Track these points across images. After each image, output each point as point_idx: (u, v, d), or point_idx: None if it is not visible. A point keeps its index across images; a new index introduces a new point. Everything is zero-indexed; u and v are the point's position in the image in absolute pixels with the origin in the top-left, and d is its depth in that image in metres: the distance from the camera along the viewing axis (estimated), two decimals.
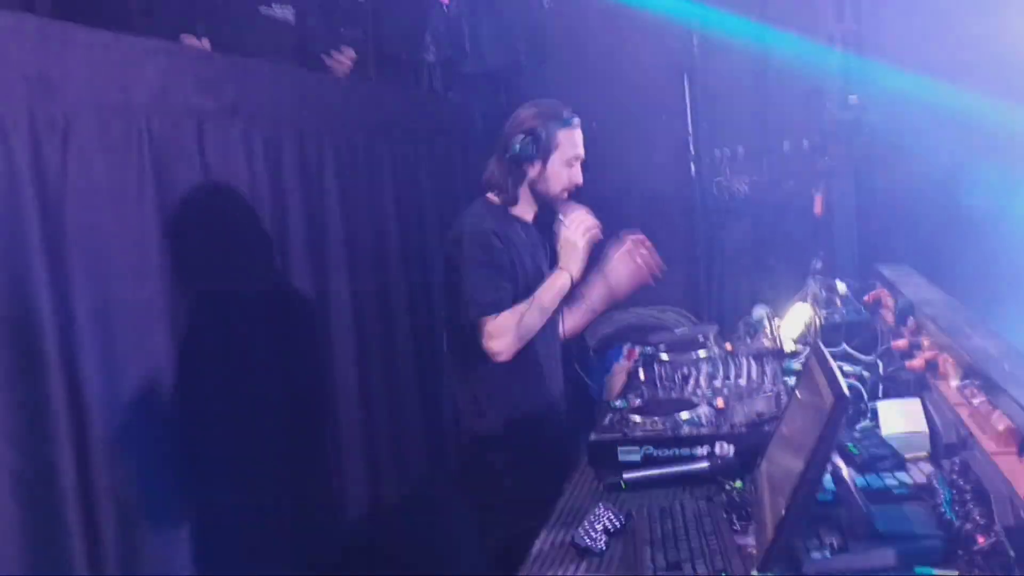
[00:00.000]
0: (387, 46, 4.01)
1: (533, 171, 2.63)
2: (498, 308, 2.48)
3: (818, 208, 4.09)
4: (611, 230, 4.50)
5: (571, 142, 2.64)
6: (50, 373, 1.89)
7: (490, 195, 2.70)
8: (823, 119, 4.07)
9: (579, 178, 2.67)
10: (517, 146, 2.60)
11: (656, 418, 2.33)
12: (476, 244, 2.53)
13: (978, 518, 1.63)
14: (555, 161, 2.62)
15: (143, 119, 2.19)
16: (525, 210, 2.70)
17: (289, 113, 2.82)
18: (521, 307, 2.52)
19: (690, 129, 4.45)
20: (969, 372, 2.06)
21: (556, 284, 2.60)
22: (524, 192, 2.67)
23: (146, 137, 2.20)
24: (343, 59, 3.29)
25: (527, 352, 2.59)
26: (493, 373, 2.55)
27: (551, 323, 2.73)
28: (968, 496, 1.73)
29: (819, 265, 3.83)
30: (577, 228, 2.63)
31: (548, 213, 2.71)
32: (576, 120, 2.66)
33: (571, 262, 2.62)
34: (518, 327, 2.49)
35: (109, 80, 2.11)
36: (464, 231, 2.57)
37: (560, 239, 2.65)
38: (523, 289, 2.58)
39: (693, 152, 4.44)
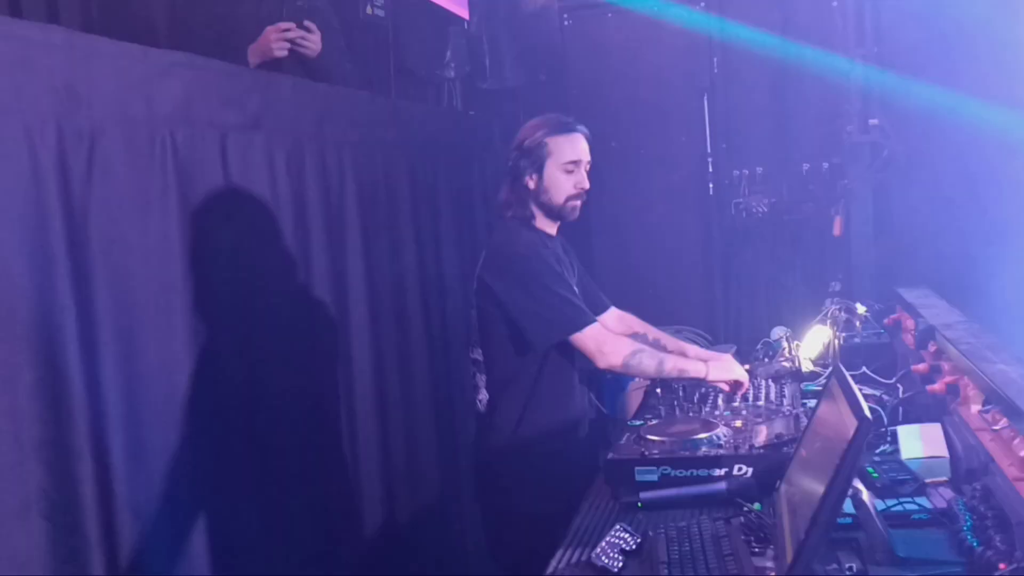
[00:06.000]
0: (408, 62, 4.04)
1: (532, 183, 2.63)
2: (586, 318, 2.52)
3: (837, 230, 4.08)
4: (628, 252, 4.55)
5: (565, 148, 2.62)
6: (72, 384, 1.89)
7: (510, 215, 2.70)
8: (843, 141, 4.06)
9: (585, 183, 2.65)
10: (510, 162, 2.65)
11: (674, 438, 2.32)
12: (534, 265, 2.54)
13: (999, 544, 1.61)
14: (550, 169, 2.62)
15: (167, 131, 2.21)
16: (546, 225, 2.70)
17: (311, 127, 2.84)
18: (649, 349, 2.57)
19: (709, 149, 4.44)
20: (991, 397, 2.04)
21: (693, 367, 2.61)
22: (535, 208, 2.67)
23: (170, 149, 2.21)
24: (312, 38, 3.02)
25: (567, 372, 2.62)
26: (531, 391, 2.58)
27: None
28: (989, 522, 1.71)
29: (837, 287, 3.82)
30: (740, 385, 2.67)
31: (568, 227, 2.72)
32: (570, 125, 2.66)
33: (721, 372, 2.63)
34: (632, 354, 2.52)
35: (134, 92, 2.13)
36: (515, 253, 2.58)
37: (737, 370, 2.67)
38: None
39: (712, 172, 4.44)
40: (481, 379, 2.65)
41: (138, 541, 2.03)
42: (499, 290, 2.56)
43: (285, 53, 2.91)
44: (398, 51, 3.95)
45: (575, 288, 2.66)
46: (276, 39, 2.87)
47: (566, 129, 2.64)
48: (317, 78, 3.03)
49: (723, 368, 2.64)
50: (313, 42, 2.97)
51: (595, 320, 2.54)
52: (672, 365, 2.57)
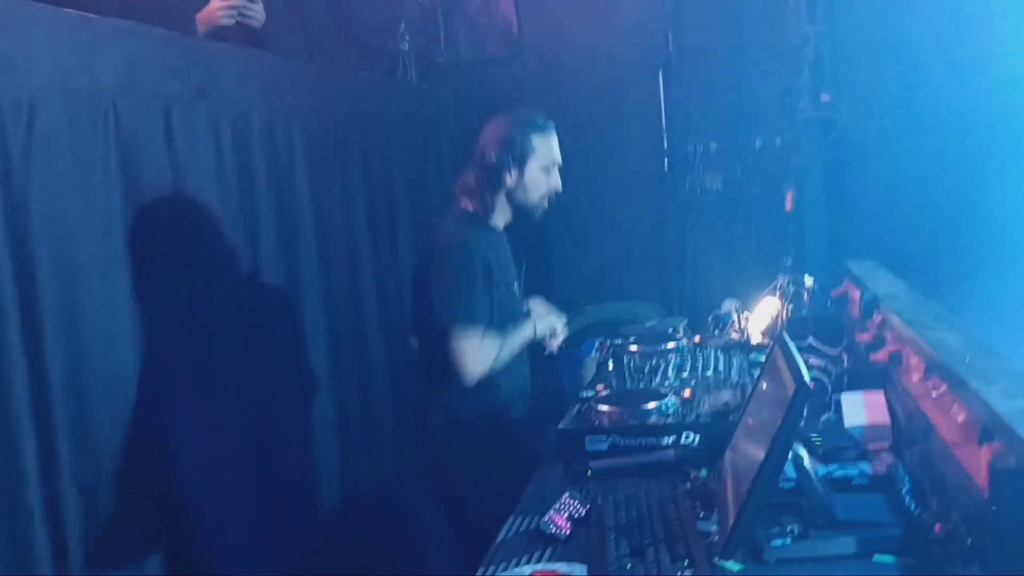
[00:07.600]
0: (362, 34, 4.00)
1: (511, 179, 2.62)
2: (473, 324, 2.48)
3: (789, 205, 4.13)
4: (584, 227, 4.57)
5: (547, 148, 2.64)
6: (14, 360, 1.86)
7: (464, 202, 2.68)
8: (795, 117, 4.10)
9: (558, 184, 2.67)
10: (493, 155, 2.60)
11: (623, 408, 2.34)
12: (457, 257, 2.52)
13: (936, 506, 1.65)
14: (532, 168, 2.62)
15: (109, 101, 2.16)
16: (499, 219, 2.69)
17: (258, 98, 2.79)
18: (492, 342, 2.54)
19: (664, 125, 4.46)
20: (931, 365, 2.08)
21: (525, 335, 2.67)
22: (500, 201, 2.66)
23: (112, 120, 2.16)
24: (255, 7, 2.97)
25: None
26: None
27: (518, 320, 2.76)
28: (927, 485, 1.75)
29: (789, 261, 3.86)
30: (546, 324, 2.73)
31: (521, 221, 2.72)
32: (551, 125, 2.67)
33: (541, 327, 2.71)
34: (493, 360, 2.54)
35: (75, 62, 2.08)
36: (445, 241, 2.57)
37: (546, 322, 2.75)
38: (499, 299, 2.57)
39: (667, 148, 4.46)
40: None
41: (83, 517, 2.01)
42: (428, 271, 2.57)
43: (231, 22, 2.87)
44: (351, 22, 3.91)
45: (512, 287, 2.68)
46: (220, 7, 2.84)
47: (548, 129, 2.66)
48: (262, 48, 2.99)
49: (542, 324, 2.73)
50: (256, 12, 2.93)
51: (479, 333, 2.50)
52: (516, 342, 2.63)
